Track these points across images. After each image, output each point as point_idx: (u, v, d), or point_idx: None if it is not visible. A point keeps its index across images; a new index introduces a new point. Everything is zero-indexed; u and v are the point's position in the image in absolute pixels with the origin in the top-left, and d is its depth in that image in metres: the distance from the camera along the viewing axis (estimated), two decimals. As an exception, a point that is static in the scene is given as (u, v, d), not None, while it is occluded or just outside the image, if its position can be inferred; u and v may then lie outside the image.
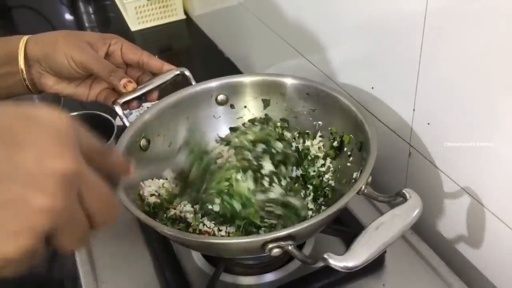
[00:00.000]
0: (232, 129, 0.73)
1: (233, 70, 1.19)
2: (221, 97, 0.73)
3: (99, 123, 0.83)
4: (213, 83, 0.72)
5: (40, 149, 0.28)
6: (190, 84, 0.71)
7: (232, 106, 0.74)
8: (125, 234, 0.69)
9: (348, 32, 0.73)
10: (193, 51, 1.37)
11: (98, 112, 0.86)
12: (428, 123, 0.62)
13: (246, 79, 0.73)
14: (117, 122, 0.83)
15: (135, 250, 0.68)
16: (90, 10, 1.68)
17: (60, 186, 0.28)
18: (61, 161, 0.28)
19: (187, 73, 0.70)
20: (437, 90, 0.59)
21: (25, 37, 0.63)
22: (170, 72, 0.68)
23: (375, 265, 0.62)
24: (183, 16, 1.41)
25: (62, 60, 0.61)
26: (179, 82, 0.70)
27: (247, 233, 0.58)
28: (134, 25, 1.38)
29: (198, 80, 0.72)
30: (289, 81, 0.71)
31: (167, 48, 1.39)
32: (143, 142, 0.65)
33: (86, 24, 1.62)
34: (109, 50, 0.67)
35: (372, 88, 0.71)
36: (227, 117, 0.74)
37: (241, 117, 0.74)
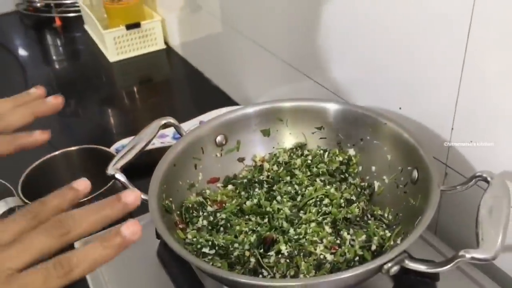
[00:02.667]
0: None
1: (223, 98, 1.22)
2: (219, 138, 0.77)
3: (100, 157, 0.86)
4: (213, 123, 0.76)
5: None
6: (178, 132, 0.75)
7: (238, 143, 0.78)
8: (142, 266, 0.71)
9: (372, 48, 0.75)
10: (176, 81, 1.41)
11: (96, 146, 0.89)
12: (471, 141, 0.65)
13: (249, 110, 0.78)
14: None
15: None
16: (58, 42, 1.71)
17: None
18: None
19: (173, 121, 0.74)
20: (480, 108, 0.62)
21: None
22: (155, 124, 0.72)
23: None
24: (163, 46, 1.45)
25: None
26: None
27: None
28: (113, 56, 1.42)
29: (188, 111, 0.75)
30: (332, 107, 0.76)
31: (147, 79, 1.43)
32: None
33: (54, 57, 1.64)
34: None
35: (400, 108, 0.74)
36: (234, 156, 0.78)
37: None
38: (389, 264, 0.52)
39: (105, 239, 0.38)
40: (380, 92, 0.78)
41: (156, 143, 0.95)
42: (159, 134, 0.79)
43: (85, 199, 0.78)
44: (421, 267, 0.53)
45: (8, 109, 0.54)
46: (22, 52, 1.69)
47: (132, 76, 1.41)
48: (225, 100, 1.21)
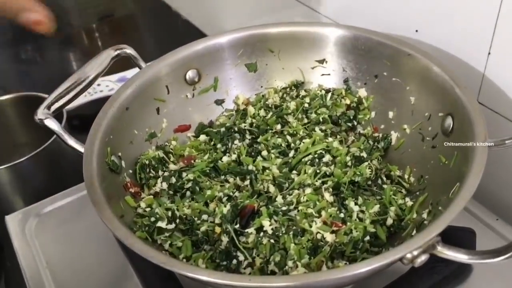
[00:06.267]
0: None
1: (195, 33, 1.08)
2: (190, 74, 0.60)
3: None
4: (181, 55, 0.59)
5: None
6: (137, 65, 0.58)
7: (215, 80, 0.62)
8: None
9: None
10: (141, 16, 1.25)
11: (36, 94, 0.73)
12: None
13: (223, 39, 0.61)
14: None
15: None
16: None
17: None
18: None
19: (130, 51, 0.57)
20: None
21: None
22: (106, 55, 0.56)
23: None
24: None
25: None
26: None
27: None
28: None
29: (152, 53, 0.63)
30: (338, 33, 0.60)
31: (108, 14, 1.27)
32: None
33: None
34: None
35: (417, 31, 0.60)
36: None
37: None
38: (415, 253, 0.38)
39: None
40: (389, 13, 0.63)
41: (116, 88, 0.78)
42: (120, 77, 0.63)
43: (24, 158, 0.64)
44: (461, 257, 0.39)
45: None
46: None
47: (90, 12, 1.25)
48: (198, 36, 1.07)
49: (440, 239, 0.39)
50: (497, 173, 0.58)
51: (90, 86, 0.55)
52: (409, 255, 0.38)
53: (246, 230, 0.47)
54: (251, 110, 0.60)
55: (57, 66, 1.08)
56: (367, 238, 0.45)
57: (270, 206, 0.48)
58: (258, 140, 0.57)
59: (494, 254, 0.38)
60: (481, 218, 0.56)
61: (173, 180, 0.53)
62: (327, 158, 0.52)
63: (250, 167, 0.54)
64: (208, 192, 0.51)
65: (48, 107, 0.52)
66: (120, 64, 0.61)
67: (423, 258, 0.38)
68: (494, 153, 0.51)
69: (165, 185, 0.52)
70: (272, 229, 0.46)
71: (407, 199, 0.50)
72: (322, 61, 0.61)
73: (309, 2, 0.75)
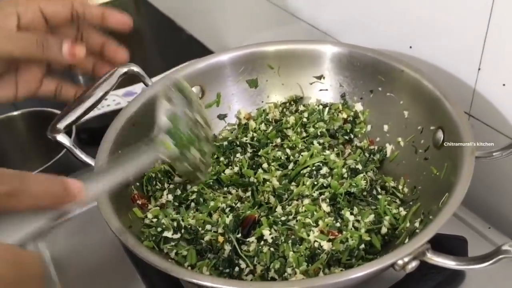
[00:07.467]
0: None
1: (199, 48, 1.09)
2: (194, 90, 0.62)
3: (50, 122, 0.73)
4: (185, 72, 0.62)
5: None
6: (143, 82, 0.61)
7: (218, 96, 0.65)
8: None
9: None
10: (146, 32, 1.26)
11: (45, 109, 0.75)
12: (504, 84, 0.53)
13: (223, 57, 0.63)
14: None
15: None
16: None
17: None
18: None
19: (137, 69, 0.60)
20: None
21: None
22: (114, 73, 0.58)
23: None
24: (133, -9, 1.32)
25: None
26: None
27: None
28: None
29: (158, 66, 0.64)
30: (334, 50, 0.62)
31: (112, 30, 1.28)
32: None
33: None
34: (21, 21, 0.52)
35: (411, 47, 0.62)
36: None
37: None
38: (406, 259, 0.40)
39: None
40: (385, 29, 0.65)
41: (123, 103, 0.80)
42: (126, 92, 0.65)
43: (34, 172, 0.66)
44: (449, 263, 0.41)
45: None
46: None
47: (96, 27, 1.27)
48: (202, 50, 1.07)
49: (429, 246, 0.41)
50: (489, 182, 0.60)
51: (99, 103, 0.58)
52: (400, 262, 0.40)
53: (247, 239, 0.49)
54: (252, 124, 0.63)
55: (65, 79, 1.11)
56: (362, 246, 0.48)
57: (270, 216, 0.51)
58: (259, 153, 0.59)
59: (481, 260, 0.40)
60: (473, 226, 0.58)
61: (178, 192, 0.55)
62: (324, 170, 0.55)
63: (252, 179, 0.56)
64: (212, 203, 0.53)
65: (59, 124, 0.54)
66: (127, 79, 0.63)
67: (414, 264, 0.41)
68: (487, 162, 0.54)
69: (170, 197, 0.55)
70: (272, 238, 0.48)
71: (401, 208, 0.52)
72: (320, 77, 0.64)
73: (308, 19, 0.77)
